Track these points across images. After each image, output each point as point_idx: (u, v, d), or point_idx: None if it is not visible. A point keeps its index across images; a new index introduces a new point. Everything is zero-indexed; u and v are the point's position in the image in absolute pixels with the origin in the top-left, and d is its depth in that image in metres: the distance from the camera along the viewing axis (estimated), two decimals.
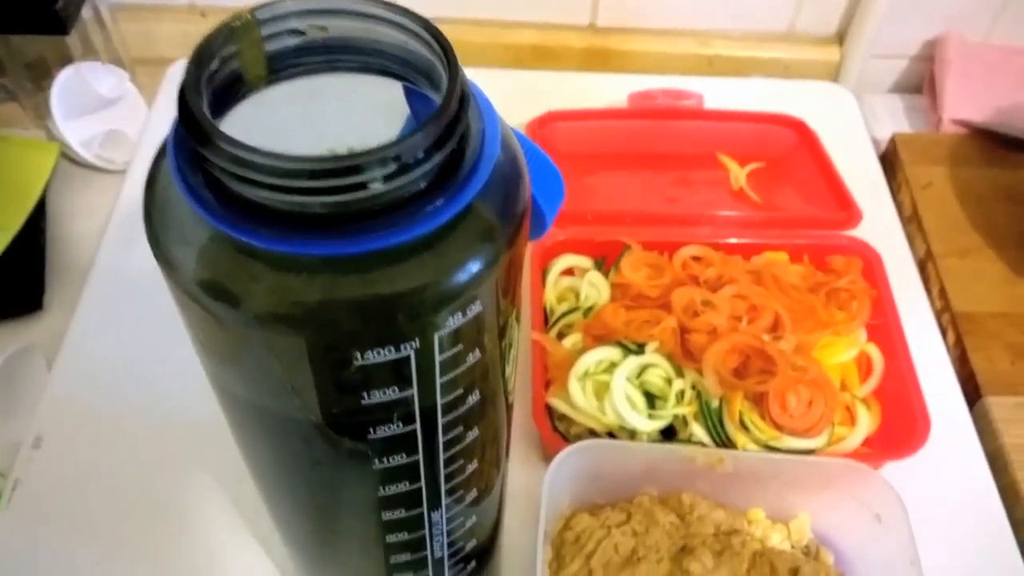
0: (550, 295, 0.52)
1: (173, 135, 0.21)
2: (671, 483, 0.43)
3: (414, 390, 0.23)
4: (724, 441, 0.45)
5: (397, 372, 0.22)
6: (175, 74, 0.67)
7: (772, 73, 0.72)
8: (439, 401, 0.24)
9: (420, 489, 0.28)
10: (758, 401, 0.46)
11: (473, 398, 0.26)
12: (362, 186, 0.19)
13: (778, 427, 0.45)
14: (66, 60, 0.63)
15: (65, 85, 0.62)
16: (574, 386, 0.46)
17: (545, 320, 0.51)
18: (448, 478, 0.28)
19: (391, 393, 0.23)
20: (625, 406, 0.45)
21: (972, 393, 0.53)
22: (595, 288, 0.51)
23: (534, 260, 0.52)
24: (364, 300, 0.21)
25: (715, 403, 0.46)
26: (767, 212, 0.59)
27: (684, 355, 0.47)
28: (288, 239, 0.20)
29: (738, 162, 0.62)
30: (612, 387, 0.46)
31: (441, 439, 0.26)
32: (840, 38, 0.73)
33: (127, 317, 0.55)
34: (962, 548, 0.46)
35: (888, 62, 0.73)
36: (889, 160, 0.67)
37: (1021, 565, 0.46)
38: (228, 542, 0.45)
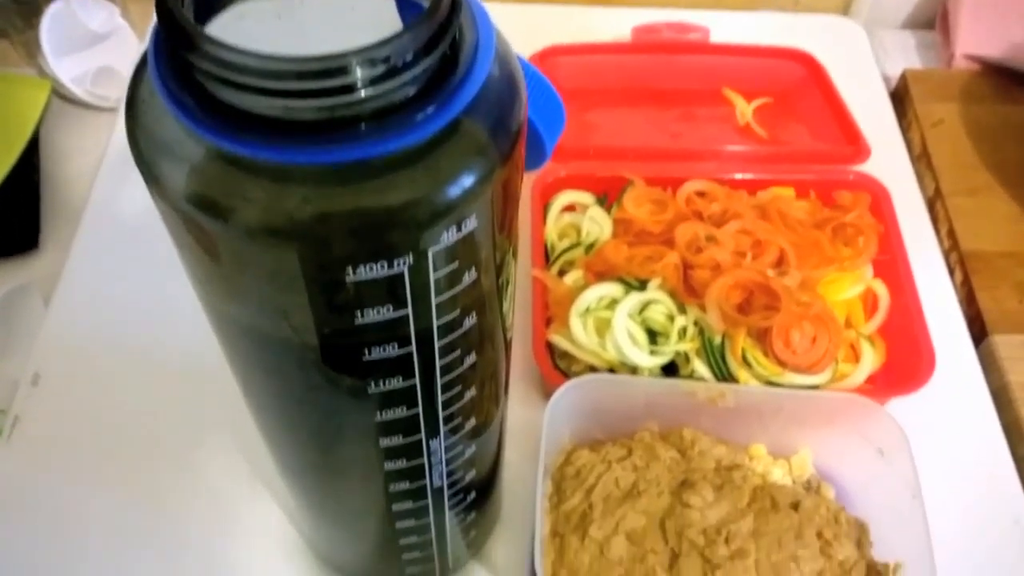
0: (551, 232, 0.51)
1: (153, 44, 0.21)
2: (672, 419, 0.43)
3: (409, 310, 0.23)
4: (726, 378, 0.45)
5: (391, 290, 0.22)
6: None
7: (780, 6, 0.70)
8: (435, 323, 0.24)
9: (417, 415, 0.28)
10: (761, 338, 0.45)
11: (470, 321, 0.25)
12: (350, 88, 0.18)
13: (781, 364, 0.45)
14: None
15: (55, 20, 0.60)
16: (575, 323, 0.46)
17: (546, 257, 0.50)
18: (446, 405, 0.28)
19: (385, 313, 0.22)
20: (626, 342, 0.45)
21: (978, 332, 0.53)
22: (597, 224, 0.50)
23: (535, 196, 0.51)
24: (355, 212, 0.20)
25: (717, 339, 0.45)
26: (773, 147, 0.57)
27: (687, 291, 0.46)
28: (276, 147, 0.19)
29: (744, 97, 0.60)
30: (613, 324, 0.45)
31: (438, 363, 0.26)
32: None
33: (123, 255, 0.54)
34: (964, 484, 0.46)
35: None
36: (899, 97, 0.66)
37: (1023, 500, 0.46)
38: (227, 477, 0.45)
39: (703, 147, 0.55)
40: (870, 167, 0.54)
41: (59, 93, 0.63)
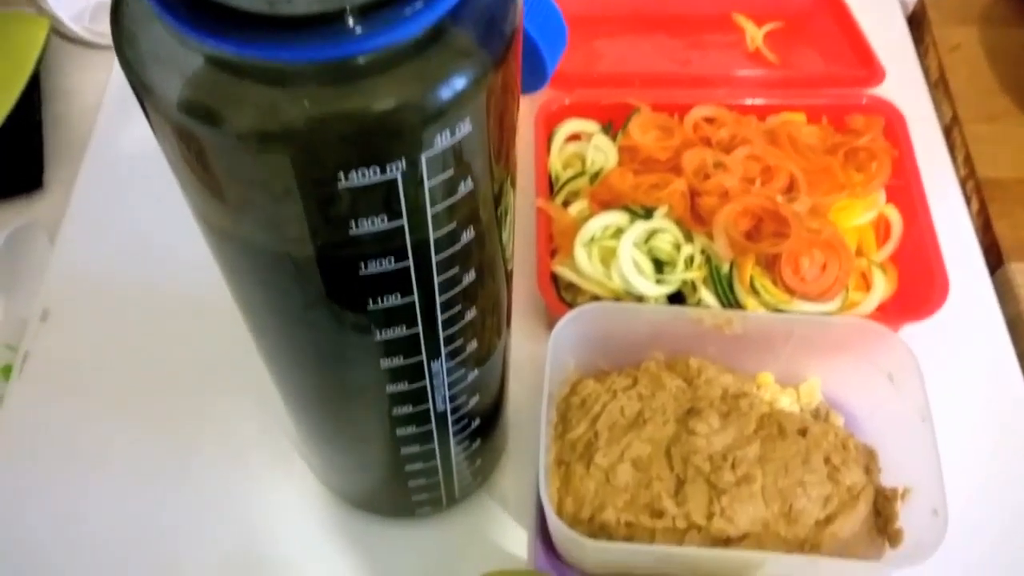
0: (555, 162, 0.50)
1: None
2: (678, 348, 0.43)
3: (404, 221, 0.22)
4: (734, 307, 0.44)
5: (385, 199, 0.21)
6: None
7: None
8: (431, 235, 0.23)
9: (418, 335, 0.27)
10: (770, 266, 0.45)
11: (467, 236, 0.25)
12: None
13: (790, 291, 0.44)
14: None
15: None
16: (580, 252, 0.45)
17: (550, 188, 0.50)
18: (446, 325, 0.28)
19: (380, 223, 0.22)
20: (632, 272, 0.44)
21: (994, 260, 0.52)
22: (602, 152, 0.49)
23: (538, 126, 0.50)
24: (346, 114, 0.19)
25: (725, 268, 0.44)
26: (784, 71, 0.56)
27: (694, 219, 0.45)
28: (263, 44, 0.18)
29: (754, 22, 0.58)
30: (619, 253, 0.44)
31: (436, 280, 0.25)
32: None
33: (126, 191, 0.54)
34: (976, 411, 0.46)
35: None
36: (916, 21, 0.64)
37: None
38: (236, 409, 0.45)
39: (712, 72, 0.53)
40: (884, 91, 0.52)
41: (58, 31, 0.62)
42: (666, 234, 0.46)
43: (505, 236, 0.29)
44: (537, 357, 0.38)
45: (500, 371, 0.36)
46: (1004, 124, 0.57)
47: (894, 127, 0.50)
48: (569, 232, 0.46)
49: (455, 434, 0.35)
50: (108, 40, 0.62)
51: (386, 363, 0.28)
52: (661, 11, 0.59)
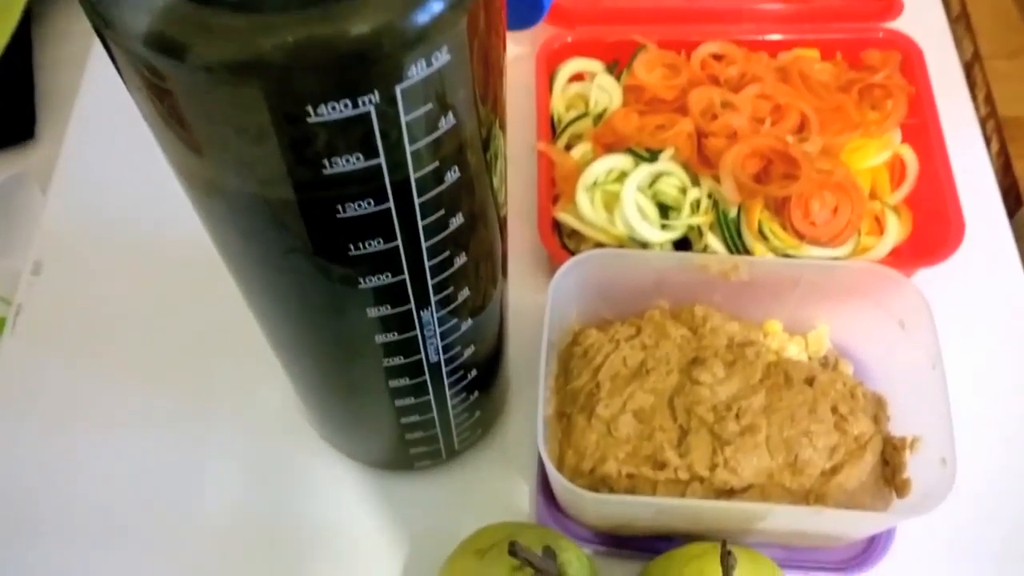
0: (557, 103, 0.49)
1: None
2: (683, 296, 0.41)
3: (382, 159, 0.21)
4: (741, 252, 0.43)
5: (361, 135, 0.20)
6: None
7: None
8: (412, 175, 0.22)
9: (404, 282, 0.26)
10: (779, 209, 0.43)
11: (452, 176, 0.23)
12: None
13: (800, 236, 0.43)
14: None
15: None
16: (582, 197, 0.44)
17: (552, 130, 0.48)
18: (434, 272, 0.27)
19: (356, 162, 0.21)
20: (636, 217, 0.43)
21: (1013, 203, 0.50)
22: (606, 92, 0.47)
23: (540, 65, 0.48)
24: (313, 40, 0.18)
25: (733, 212, 0.43)
26: (797, 4, 0.53)
27: (700, 162, 0.44)
28: None
29: None
30: (622, 197, 0.43)
31: (420, 223, 0.24)
32: None
33: (119, 139, 0.52)
34: (989, 359, 0.45)
35: None
36: None
37: None
38: (232, 362, 0.45)
39: (721, 7, 0.51)
40: (902, 25, 0.50)
41: None
42: (672, 177, 0.44)
43: (496, 181, 0.27)
44: (540, 307, 0.37)
45: (497, 321, 0.35)
46: None
47: (911, 63, 0.48)
48: (572, 177, 0.44)
49: (451, 386, 0.34)
50: None
51: (373, 312, 0.27)
52: None
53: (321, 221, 0.23)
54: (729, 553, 0.30)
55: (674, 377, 0.39)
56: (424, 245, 0.25)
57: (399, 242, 0.24)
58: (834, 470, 0.36)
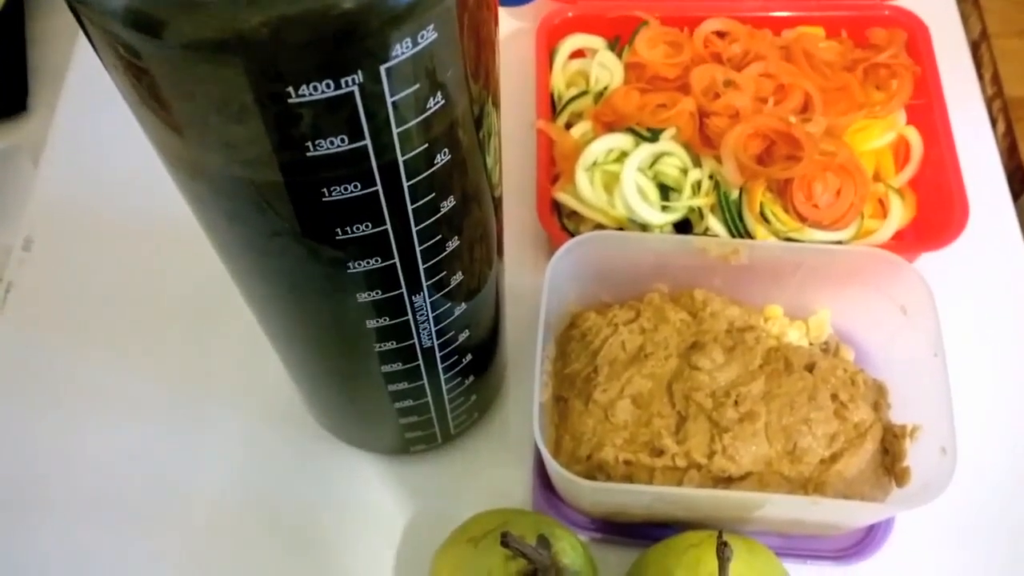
0: (557, 80, 0.47)
1: None
2: (683, 279, 0.41)
3: (368, 141, 0.20)
4: (743, 235, 0.42)
5: (344, 117, 0.19)
6: None
7: None
8: (400, 157, 0.21)
9: (395, 266, 0.25)
10: (781, 191, 0.42)
11: (442, 158, 0.23)
12: None
13: (802, 219, 0.42)
14: None
15: None
16: (581, 177, 0.43)
17: (552, 108, 0.47)
18: (426, 256, 0.26)
19: (340, 143, 0.20)
20: (636, 198, 0.42)
21: (1018, 186, 0.49)
22: (607, 70, 0.46)
23: (540, 41, 0.47)
24: (293, 17, 0.17)
25: (734, 194, 0.42)
26: None
27: (702, 142, 0.43)
28: None
29: None
30: (622, 178, 0.42)
31: (410, 206, 0.23)
32: None
33: (112, 113, 0.51)
34: (991, 347, 0.44)
35: None
36: None
37: None
38: (226, 341, 0.44)
39: None
40: (908, 2, 0.49)
41: None
42: (673, 158, 0.43)
43: (490, 161, 0.26)
44: (539, 289, 0.37)
45: (493, 305, 0.35)
46: None
47: (917, 42, 0.47)
48: (571, 156, 0.43)
49: (445, 370, 0.34)
50: None
51: (363, 297, 0.27)
52: None
53: (306, 204, 0.22)
54: (725, 544, 0.30)
55: (673, 362, 0.38)
56: (414, 229, 0.24)
57: (388, 226, 0.23)
58: (833, 458, 0.36)
